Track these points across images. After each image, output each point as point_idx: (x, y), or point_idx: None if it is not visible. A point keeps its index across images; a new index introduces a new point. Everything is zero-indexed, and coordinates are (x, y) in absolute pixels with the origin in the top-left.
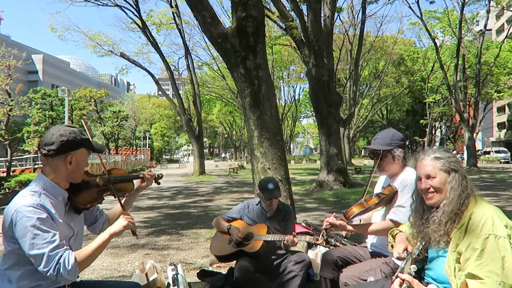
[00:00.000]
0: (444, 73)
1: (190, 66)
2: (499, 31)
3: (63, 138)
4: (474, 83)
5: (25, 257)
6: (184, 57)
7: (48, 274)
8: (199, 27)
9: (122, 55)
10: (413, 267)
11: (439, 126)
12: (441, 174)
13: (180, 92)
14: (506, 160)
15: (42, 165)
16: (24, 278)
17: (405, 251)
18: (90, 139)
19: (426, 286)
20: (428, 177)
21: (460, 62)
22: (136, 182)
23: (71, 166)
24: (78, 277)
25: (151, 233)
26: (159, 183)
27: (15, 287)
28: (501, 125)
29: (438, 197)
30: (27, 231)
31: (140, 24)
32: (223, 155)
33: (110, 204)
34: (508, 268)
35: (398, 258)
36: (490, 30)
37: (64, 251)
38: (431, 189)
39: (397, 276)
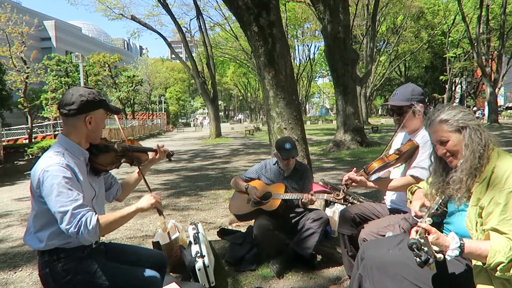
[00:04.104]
0: (466, 25)
1: (202, 27)
2: None
3: (83, 98)
4: (498, 35)
5: (53, 217)
6: (195, 18)
7: (69, 231)
8: None
9: (133, 18)
10: (429, 220)
11: (459, 82)
12: (452, 136)
13: (193, 54)
14: None
15: (62, 128)
16: (54, 237)
17: (422, 208)
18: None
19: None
20: (441, 143)
21: (483, 13)
22: (151, 155)
23: (90, 126)
24: (99, 239)
25: (171, 194)
26: (170, 160)
27: (44, 246)
28: None
29: (457, 158)
30: (53, 189)
31: None
32: (239, 116)
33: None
34: None
35: (416, 217)
36: None
37: (87, 211)
38: (448, 154)
39: (417, 225)
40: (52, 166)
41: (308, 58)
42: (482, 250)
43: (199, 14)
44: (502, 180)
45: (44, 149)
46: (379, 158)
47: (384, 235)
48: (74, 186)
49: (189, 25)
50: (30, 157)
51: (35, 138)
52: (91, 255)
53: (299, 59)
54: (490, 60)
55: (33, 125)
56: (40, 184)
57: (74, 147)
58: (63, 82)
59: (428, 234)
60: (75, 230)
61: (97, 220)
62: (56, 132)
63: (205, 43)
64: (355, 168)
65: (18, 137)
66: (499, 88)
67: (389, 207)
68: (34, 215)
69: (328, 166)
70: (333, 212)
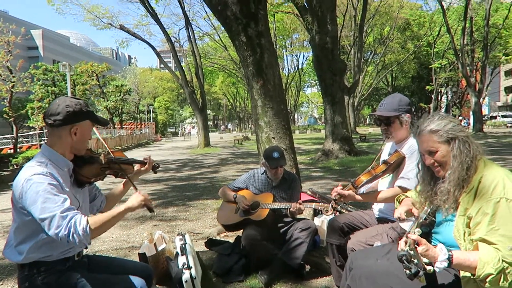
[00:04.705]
0: (451, 37)
1: (191, 37)
2: None
3: (69, 109)
4: (481, 46)
5: (36, 229)
6: (184, 28)
7: (59, 235)
8: None
9: (122, 28)
10: (418, 231)
11: (445, 92)
12: (441, 146)
13: (182, 64)
14: None
15: (46, 138)
16: (34, 250)
17: (406, 213)
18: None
19: (435, 247)
20: (430, 153)
21: (467, 25)
22: (136, 166)
23: (75, 137)
24: (90, 243)
25: (159, 205)
26: (156, 172)
27: (24, 259)
28: (508, 89)
29: (445, 169)
30: (38, 196)
31: None
32: (229, 125)
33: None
34: None
35: (399, 219)
36: None
37: (75, 214)
38: (436, 164)
39: (406, 236)
40: (35, 175)
41: (296, 68)
42: (471, 262)
43: (188, 24)
44: (489, 190)
45: (29, 159)
46: (366, 172)
47: (372, 245)
48: (60, 191)
49: (178, 35)
50: (15, 167)
51: (20, 148)
52: (73, 268)
53: (288, 69)
54: (474, 71)
55: (18, 134)
56: (22, 194)
57: (58, 158)
58: (49, 91)
59: (418, 245)
60: (66, 232)
61: (87, 221)
62: (42, 142)
63: (194, 53)
64: (340, 184)
65: (3, 147)
66: (484, 98)
67: (377, 216)
68: (15, 228)
69: (316, 175)
70: (322, 222)
